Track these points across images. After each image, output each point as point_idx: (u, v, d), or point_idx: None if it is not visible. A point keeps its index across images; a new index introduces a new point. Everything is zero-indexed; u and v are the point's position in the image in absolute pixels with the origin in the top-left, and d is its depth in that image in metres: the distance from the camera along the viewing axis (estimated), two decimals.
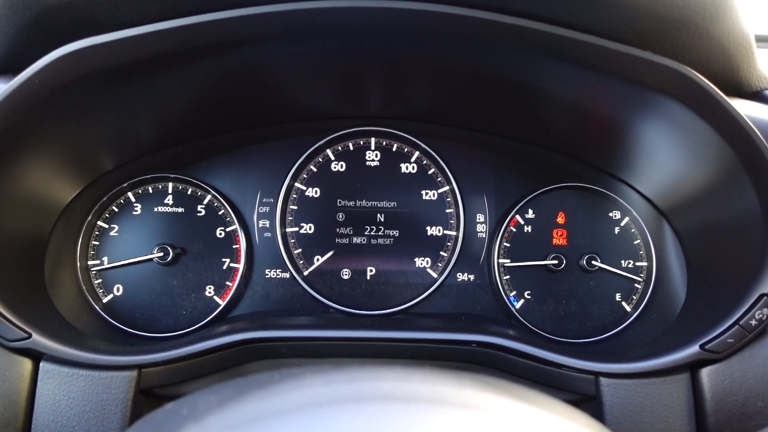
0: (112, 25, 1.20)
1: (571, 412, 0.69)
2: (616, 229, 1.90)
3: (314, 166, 1.94)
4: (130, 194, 1.85)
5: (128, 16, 1.20)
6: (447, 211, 1.94)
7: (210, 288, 1.86)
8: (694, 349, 1.40)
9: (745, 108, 1.39)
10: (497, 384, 0.70)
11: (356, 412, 0.57)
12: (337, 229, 1.93)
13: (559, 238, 1.91)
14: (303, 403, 0.61)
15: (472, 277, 1.93)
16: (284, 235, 1.91)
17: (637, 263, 1.88)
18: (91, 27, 1.21)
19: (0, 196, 1.39)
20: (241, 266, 1.86)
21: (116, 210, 1.84)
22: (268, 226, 1.91)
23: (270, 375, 0.70)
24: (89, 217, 1.79)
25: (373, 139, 1.96)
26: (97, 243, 1.82)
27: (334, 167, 1.95)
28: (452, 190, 1.94)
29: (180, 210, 1.87)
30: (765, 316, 1.36)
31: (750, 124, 1.28)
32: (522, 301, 1.89)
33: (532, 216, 1.91)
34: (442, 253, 1.93)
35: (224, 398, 0.66)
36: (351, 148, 1.95)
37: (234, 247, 1.88)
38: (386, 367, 0.67)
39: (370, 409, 0.58)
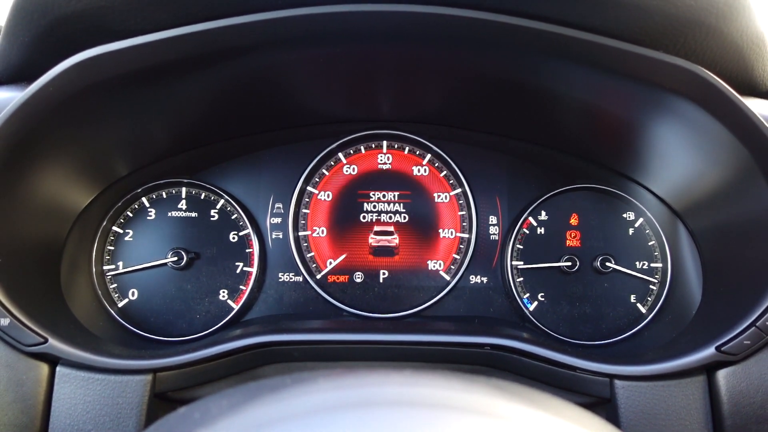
0: (125, 32, 1.22)
1: (585, 416, 0.68)
2: (630, 230, 1.88)
3: (326, 170, 1.95)
4: (144, 199, 1.87)
5: (141, 24, 1.21)
6: (459, 213, 1.94)
7: (224, 292, 1.87)
8: (710, 351, 1.38)
9: (759, 107, 1.37)
10: (510, 388, 0.70)
11: (367, 416, 0.57)
12: (350, 233, 1.93)
13: (572, 240, 1.90)
14: (314, 408, 0.61)
15: (485, 279, 1.93)
16: (297, 238, 1.92)
17: (652, 264, 1.86)
18: (104, 35, 1.22)
19: (17, 203, 1.40)
20: (254, 270, 1.87)
21: (131, 215, 1.86)
22: (280, 229, 1.92)
23: (281, 379, 0.70)
24: (104, 223, 1.81)
25: (384, 142, 1.96)
26: (112, 248, 1.84)
27: (346, 170, 1.95)
28: (464, 192, 1.93)
29: (193, 214, 1.88)
30: None
31: (764, 123, 1.27)
32: (535, 303, 1.88)
33: (545, 218, 1.91)
34: (454, 255, 1.93)
35: (236, 402, 0.66)
36: (363, 152, 1.96)
37: (247, 251, 1.88)
38: (397, 372, 0.67)
39: (380, 413, 0.58)
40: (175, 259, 1.82)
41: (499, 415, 0.59)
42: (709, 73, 1.24)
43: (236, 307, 1.85)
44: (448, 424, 0.56)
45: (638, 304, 1.85)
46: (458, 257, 1.93)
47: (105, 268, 1.83)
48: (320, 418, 0.58)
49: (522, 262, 1.89)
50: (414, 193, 1.95)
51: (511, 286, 1.87)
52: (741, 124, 1.28)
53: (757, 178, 1.34)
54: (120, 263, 1.84)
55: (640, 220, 1.88)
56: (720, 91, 1.25)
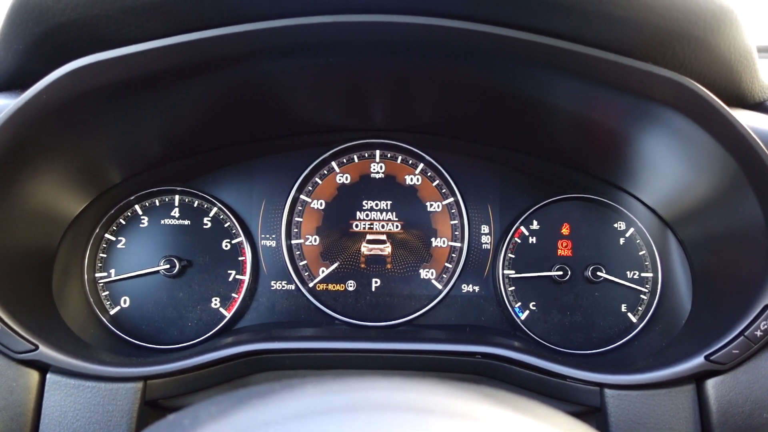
0: (119, 41, 1.22)
1: (575, 425, 0.69)
2: (621, 240, 1.89)
3: (319, 179, 1.95)
4: (137, 207, 1.87)
5: (134, 33, 1.22)
6: (452, 222, 1.95)
7: (216, 300, 1.86)
8: (700, 360, 1.39)
9: (747, 119, 1.39)
10: (498, 396, 0.70)
11: (354, 420, 0.58)
12: (342, 241, 1.94)
13: (564, 249, 1.91)
14: (303, 413, 0.62)
15: (477, 288, 1.93)
16: (289, 247, 1.92)
17: (643, 274, 1.87)
18: (98, 43, 1.23)
19: (9, 210, 1.40)
20: (246, 278, 1.87)
21: (123, 223, 1.86)
22: (273, 238, 1.92)
23: (271, 386, 0.70)
24: (97, 230, 1.81)
25: (377, 152, 1.97)
26: (105, 255, 1.84)
27: (339, 179, 1.96)
28: (457, 201, 1.94)
29: (186, 222, 1.89)
30: None
31: (752, 134, 1.28)
32: (527, 312, 1.88)
33: (537, 227, 1.92)
34: (446, 264, 1.94)
35: (225, 408, 0.66)
36: (356, 160, 1.97)
37: (240, 259, 1.89)
38: (385, 378, 0.68)
39: (367, 417, 0.58)
40: (168, 266, 1.82)
41: (483, 419, 0.59)
42: (698, 84, 1.25)
43: (228, 315, 1.85)
44: (433, 428, 0.56)
45: (629, 314, 1.86)
46: (450, 266, 1.94)
47: (97, 275, 1.82)
48: (308, 422, 0.59)
49: (514, 271, 1.90)
50: (406, 202, 1.96)
51: (502, 295, 1.87)
52: (729, 135, 1.29)
53: (745, 188, 1.35)
54: (112, 271, 1.84)
55: (631, 229, 1.89)
56: (708, 103, 1.26)
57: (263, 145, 1.91)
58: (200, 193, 1.88)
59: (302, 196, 1.94)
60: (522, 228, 1.91)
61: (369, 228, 1.94)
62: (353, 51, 1.34)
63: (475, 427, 0.59)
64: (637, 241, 1.89)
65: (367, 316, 1.90)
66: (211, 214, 1.90)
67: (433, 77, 1.48)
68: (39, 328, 1.40)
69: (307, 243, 1.94)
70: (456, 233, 1.94)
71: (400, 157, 1.97)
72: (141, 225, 1.87)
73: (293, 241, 1.93)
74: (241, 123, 1.75)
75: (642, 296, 1.87)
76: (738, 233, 1.48)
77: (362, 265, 1.94)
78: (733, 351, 1.37)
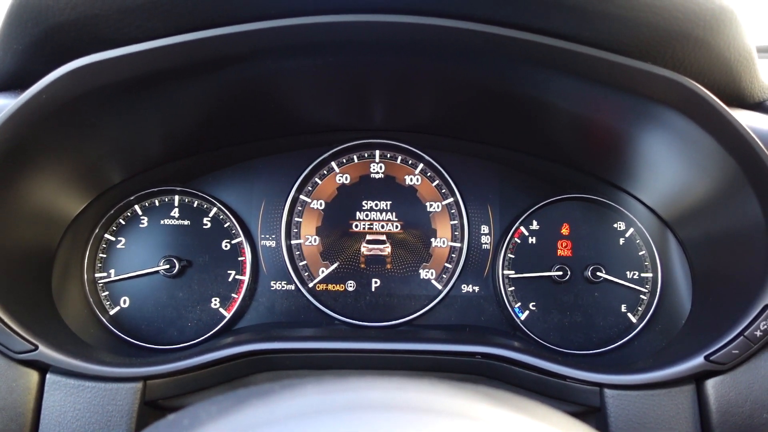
0: (119, 41, 1.22)
1: (574, 425, 0.69)
2: (621, 240, 1.89)
3: (319, 179, 1.95)
4: (137, 207, 1.87)
5: (134, 32, 1.22)
6: (451, 222, 1.95)
7: (215, 300, 1.86)
8: (699, 360, 1.39)
9: (747, 119, 1.39)
10: (498, 395, 0.70)
11: (354, 420, 0.58)
12: (342, 241, 1.94)
13: (563, 250, 1.91)
14: (302, 413, 0.62)
15: (476, 288, 1.93)
16: (289, 247, 1.92)
17: (642, 274, 1.87)
18: (98, 43, 1.23)
19: (9, 210, 1.40)
20: (246, 278, 1.87)
21: (123, 223, 1.86)
22: (273, 238, 1.92)
23: (270, 386, 0.70)
24: (96, 230, 1.81)
25: (377, 152, 1.97)
26: (105, 255, 1.84)
27: (339, 179, 1.96)
28: (456, 201, 1.94)
29: (186, 223, 1.89)
30: None
31: (752, 134, 1.28)
32: (527, 312, 1.88)
33: (537, 227, 1.92)
34: (446, 264, 1.94)
35: (225, 408, 0.66)
36: (356, 161, 1.97)
37: (239, 259, 1.89)
38: (385, 377, 0.68)
39: (367, 417, 0.58)
40: (167, 267, 1.82)
41: (482, 419, 0.59)
42: (697, 84, 1.25)
43: (228, 315, 1.85)
44: (431, 428, 0.56)
45: (629, 314, 1.86)
46: (450, 266, 1.94)
47: (97, 275, 1.82)
48: (309, 422, 0.59)
49: (513, 272, 1.90)
50: (406, 202, 1.96)
51: (502, 295, 1.87)
52: (729, 135, 1.29)
53: (745, 188, 1.35)
54: (112, 271, 1.84)
55: (631, 230, 1.89)
56: (708, 103, 1.26)
57: (263, 145, 1.91)
58: (200, 193, 1.88)
59: (302, 197, 1.94)
60: (522, 228, 1.91)
61: (369, 228, 1.94)
62: (353, 51, 1.34)
63: (474, 427, 0.59)
64: (637, 241, 1.89)
65: (367, 317, 1.90)
66: (210, 215, 1.90)
67: (433, 77, 1.48)
68: (39, 328, 1.40)
69: (307, 243, 1.94)
70: (456, 233, 1.95)
71: (399, 157, 1.97)
72: (141, 225, 1.87)
73: (293, 242, 1.93)
74: (240, 123, 1.75)
75: (642, 296, 1.87)
76: (738, 233, 1.48)
77: (362, 266, 1.94)
78: (733, 351, 1.37)
